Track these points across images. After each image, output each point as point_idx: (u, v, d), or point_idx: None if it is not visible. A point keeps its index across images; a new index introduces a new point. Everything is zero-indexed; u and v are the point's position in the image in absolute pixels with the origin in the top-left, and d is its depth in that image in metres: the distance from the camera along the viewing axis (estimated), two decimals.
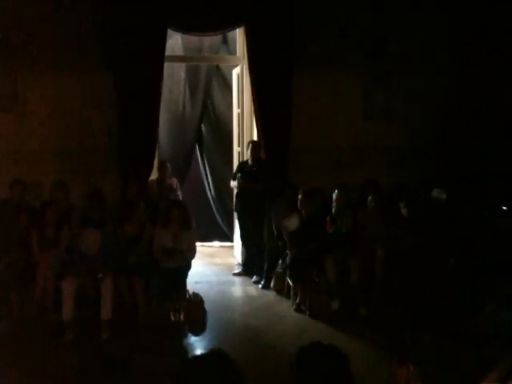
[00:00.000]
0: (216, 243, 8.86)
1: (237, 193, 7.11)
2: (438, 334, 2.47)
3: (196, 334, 5.21)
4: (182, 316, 5.52)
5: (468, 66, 7.26)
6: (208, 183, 8.67)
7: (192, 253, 5.84)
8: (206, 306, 5.58)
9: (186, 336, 5.23)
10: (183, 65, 8.28)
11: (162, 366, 4.31)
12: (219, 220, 8.72)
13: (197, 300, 5.58)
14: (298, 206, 6.25)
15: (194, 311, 5.46)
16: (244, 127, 7.42)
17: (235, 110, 7.70)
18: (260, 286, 6.74)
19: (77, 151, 6.69)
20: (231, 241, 8.29)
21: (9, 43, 6.36)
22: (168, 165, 7.14)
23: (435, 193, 6.71)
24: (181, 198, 7.17)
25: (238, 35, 7.35)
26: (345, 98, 7.26)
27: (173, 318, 5.57)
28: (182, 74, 8.34)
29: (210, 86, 8.43)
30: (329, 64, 7.10)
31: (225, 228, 8.67)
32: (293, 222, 6.09)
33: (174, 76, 8.28)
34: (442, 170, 7.17)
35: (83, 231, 5.44)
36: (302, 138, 7.07)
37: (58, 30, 6.47)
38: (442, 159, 7.31)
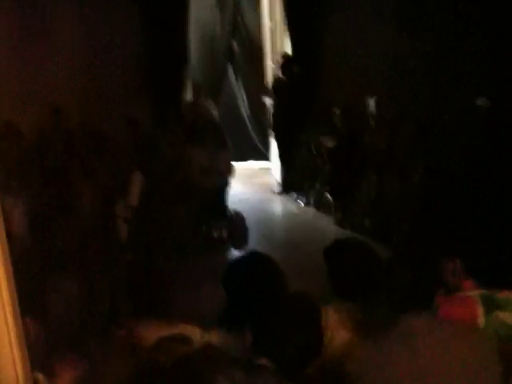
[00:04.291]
0: (255, 164, 8.86)
1: (273, 111, 7.01)
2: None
3: (239, 249, 5.32)
4: (224, 233, 5.63)
5: None
6: (242, 102, 8.55)
7: (230, 172, 5.87)
8: (248, 223, 5.67)
9: (229, 250, 5.35)
10: None
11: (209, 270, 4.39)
12: (255, 139, 8.67)
13: (238, 217, 5.69)
14: (336, 121, 6.14)
15: (236, 228, 5.58)
16: (277, 41, 7.20)
17: (266, 24, 7.45)
18: (301, 203, 6.77)
19: (106, 77, 6.61)
20: (268, 160, 8.27)
21: None
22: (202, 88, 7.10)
23: (479, 102, 6.43)
24: (217, 118, 7.15)
25: None
26: (380, 8, 6.87)
27: (216, 235, 5.68)
28: None
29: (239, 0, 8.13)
30: None
31: (262, 147, 8.63)
32: (329, 140, 6.03)
33: None
34: (487, 78, 6.81)
35: None
36: (339, 53, 6.80)
37: None
38: (488, 66, 6.92)
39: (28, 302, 1.26)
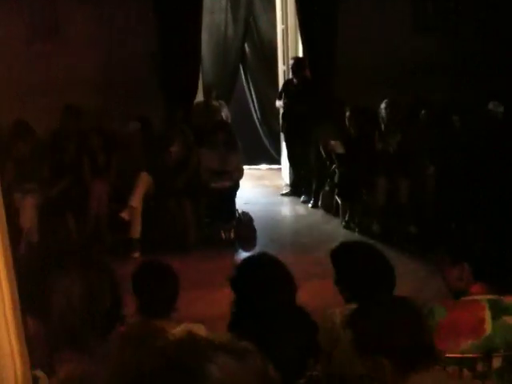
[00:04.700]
0: (264, 166, 8.85)
1: (283, 113, 7.00)
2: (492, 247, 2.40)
3: (247, 251, 5.32)
4: (232, 234, 5.63)
5: None
6: (253, 105, 8.56)
7: (239, 173, 5.87)
8: (256, 225, 5.67)
9: (237, 252, 5.35)
10: None
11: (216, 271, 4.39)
12: (266, 142, 8.67)
13: (246, 219, 5.69)
14: (346, 123, 6.12)
15: (244, 229, 5.58)
16: (289, 44, 7.19)
17: (279, 26, 7.44)
18: (309, 205, 6.75)
19: (119, 79, 6.64)
20: (279, 163, 8.26)
21: None
22: (213, 88, 7.08)
23: (491, 106, 6.39)
24: (229, 120, 7.17)
25: None
26: (392, 10, 6.85)
27: (224, 236, 5.68)
28: None
29: (252, 2, 8.14)
30: None
31: (272, 150, 8.62)
32: (339, 145, 6.01)
33: None
34: (500, 83, 6.76)
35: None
36: (348, 55, 6.78)
37: None
38: (500, 71, 6.87)
39: (29, 299, 1.26)
